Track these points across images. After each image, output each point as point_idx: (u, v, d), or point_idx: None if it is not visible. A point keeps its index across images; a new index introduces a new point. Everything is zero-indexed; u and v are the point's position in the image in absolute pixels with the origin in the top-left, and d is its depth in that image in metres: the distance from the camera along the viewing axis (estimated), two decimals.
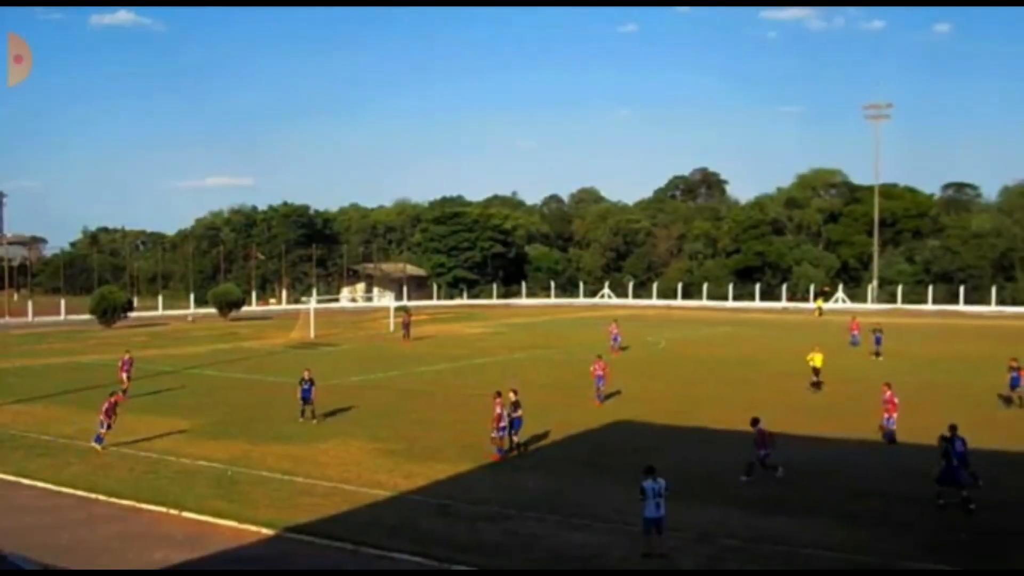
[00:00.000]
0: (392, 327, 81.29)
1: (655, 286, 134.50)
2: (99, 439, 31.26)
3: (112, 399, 32.29)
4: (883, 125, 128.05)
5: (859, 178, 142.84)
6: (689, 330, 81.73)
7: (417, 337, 72.80)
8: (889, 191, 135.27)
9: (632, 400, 41.45)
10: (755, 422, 27.78)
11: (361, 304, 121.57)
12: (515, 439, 30.26)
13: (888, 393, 32.39)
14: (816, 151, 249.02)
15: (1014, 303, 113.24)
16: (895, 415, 32.06)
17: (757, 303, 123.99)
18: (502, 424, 29.91)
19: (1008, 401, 39.35)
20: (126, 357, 44.90)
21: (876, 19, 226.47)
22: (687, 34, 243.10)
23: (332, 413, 37.76)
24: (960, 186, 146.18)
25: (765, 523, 23.05)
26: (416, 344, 69.36)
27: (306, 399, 36.46)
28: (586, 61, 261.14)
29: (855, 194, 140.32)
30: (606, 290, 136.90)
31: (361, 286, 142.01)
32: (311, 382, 36.69)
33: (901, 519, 23.49)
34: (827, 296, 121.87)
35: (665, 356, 59.50)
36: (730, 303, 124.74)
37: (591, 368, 41.51)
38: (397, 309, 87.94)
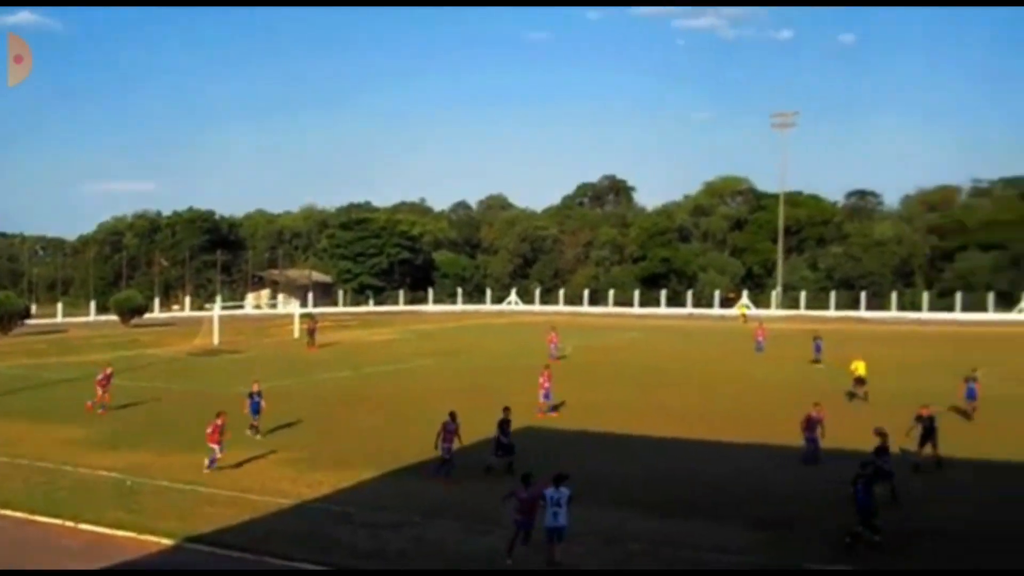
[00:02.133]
0: (297, 334, 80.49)
1: (562, 292, 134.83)
2: (212, 462, 29.25)
3: (218, 421, 29.79)
4: (789, 133, 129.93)
5: (765, 186, 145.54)
6: (596, 337, 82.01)
7: (322, 344, 72.23)
8: (794, 199, 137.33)
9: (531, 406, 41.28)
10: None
11: (266, 311, 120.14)
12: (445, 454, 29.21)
13: (817, 411, 31.29)
14: (723, 159, 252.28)
15: (914, 309, 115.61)
16: (818, 433, 30.88)
17: (663, 309, 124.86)
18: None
19: (964, 413, 38.27)
20: (108, 371, 42.72)
21: (784, 29, 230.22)
22: (597, 41, 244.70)
23: (235, 421, 37.17)
24: (863, 194, 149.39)
25: (671, 527, 23.27)
26: (321, 351, 68.81)
27: (256, 412, 35.02)
28: (495, 67, 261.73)
29: (760, 202, 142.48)
30: (513, 297, 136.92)
31: (266, 292, 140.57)
32: (260, 394, 35.50)
33: (808, 522, 23.81)
34: (732, 302, 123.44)
35: (573, 363, 59.62)
36: (636, 309, 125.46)
37: (539, 379, 40.64)
38: (302, 316, 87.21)
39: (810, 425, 30.74)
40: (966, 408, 38.22)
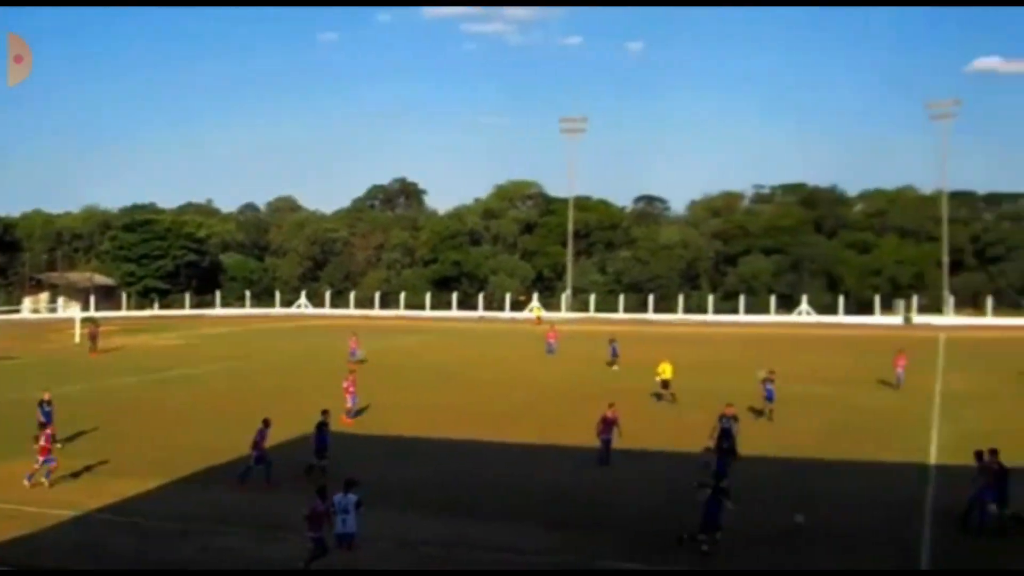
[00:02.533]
0: (78, 339, 76.88)
1: (352, 296, 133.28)
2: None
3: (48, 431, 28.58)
4: (579, 139, 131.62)
5: (555, 190, 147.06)
6: (388, 340, 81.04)
7: (105, 349, 69.39)
8: (583, 203, 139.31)
9: (337, 410, 40.06)
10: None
11: (45, 315, 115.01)
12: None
13: (611, 412, 31.29)
14: (514, 163, 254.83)
15: (699, 311, 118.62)
16: (613, 434, 30.98)
17: (454, 312, 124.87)
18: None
19: (761, 413, 38.96)
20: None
21: (573, 35, 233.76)
22: (388, 43, 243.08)
23: (12, 431, 34.65)
24: (650, 199, 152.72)
25: (467, 529, 23.25)
26: (104, 356, 66.16)
27: (47, 421, 33.03)
28: (285, 67, 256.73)
29: (550, 206, 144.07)
30: (303, 300, 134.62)
31: (45, 296, 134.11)
32: (50, 402, 33.96)
33: (601, 521, 24.05)
34: (523, 305, 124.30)
35: (369, 366, 58.31)
36: (428, 312, 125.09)
37: (344, 385, 39.77)
38: (84, 320, 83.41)
39: (605, 426, 30.49)
40: (764, 408, 38.77)
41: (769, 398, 38.66)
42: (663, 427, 37.28)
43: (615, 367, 57.56)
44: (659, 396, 43.87)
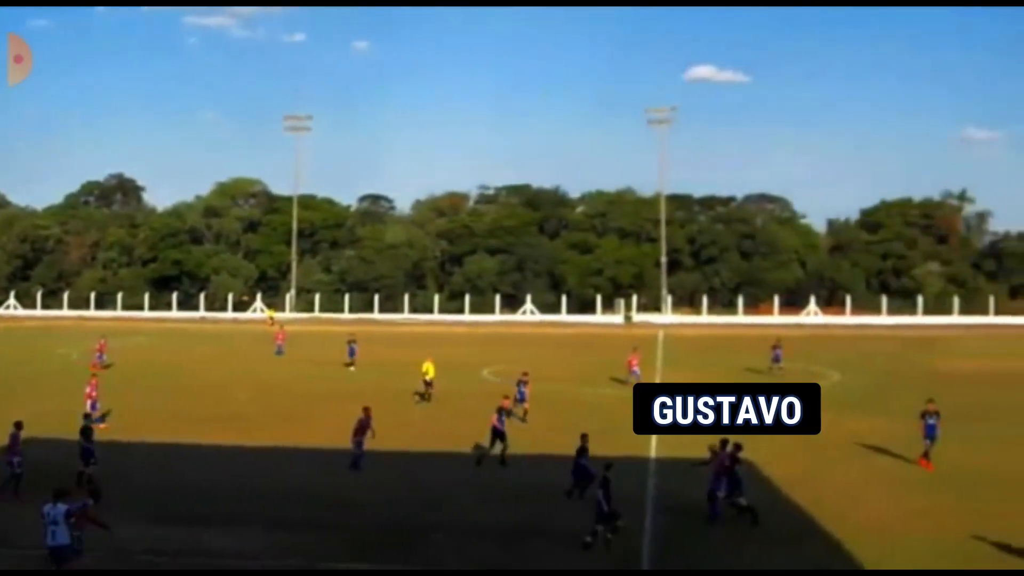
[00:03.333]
0: None
1: (66, 296, 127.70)
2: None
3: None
4: (303, 137, 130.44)
5: (279, 188, 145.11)
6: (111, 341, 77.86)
7: None
8: (308, 202, 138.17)
9: (61, 415, 38.17)
10: None
11: None
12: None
13: (365, 415, 30.74)
14: (237, 160, 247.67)
15: (425, 311, 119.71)
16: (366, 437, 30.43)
17: (175, 313, 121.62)
18: None
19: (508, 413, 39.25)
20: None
21: (298, 32, 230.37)
22: (103, 33, 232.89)
23: None
24: (376, 199, 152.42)
25: (195, 535, 22.73)
26: None
27: None
28: None
29: (274, 204, 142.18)
30: (12, 301, 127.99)
31: None
32: None
33: (327, 523, 24.01)
34: (247, 305, 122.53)
35: (82, 369, 55.95)
36: (147, 313, 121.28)
37: (86, 390, 38.02)
38: None
39: (360, 428, 30.38)
40: (519, 409, 39.36)
41: (521, 398, 39.29)
42: (413, 427, 37.54)
43: (352, 367, 57.42)
44: (422, 396, 44.17)
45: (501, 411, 31.54)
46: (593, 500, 22.75)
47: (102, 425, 36.31)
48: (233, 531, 23.17)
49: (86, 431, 27.89)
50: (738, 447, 24.29)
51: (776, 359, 54.45)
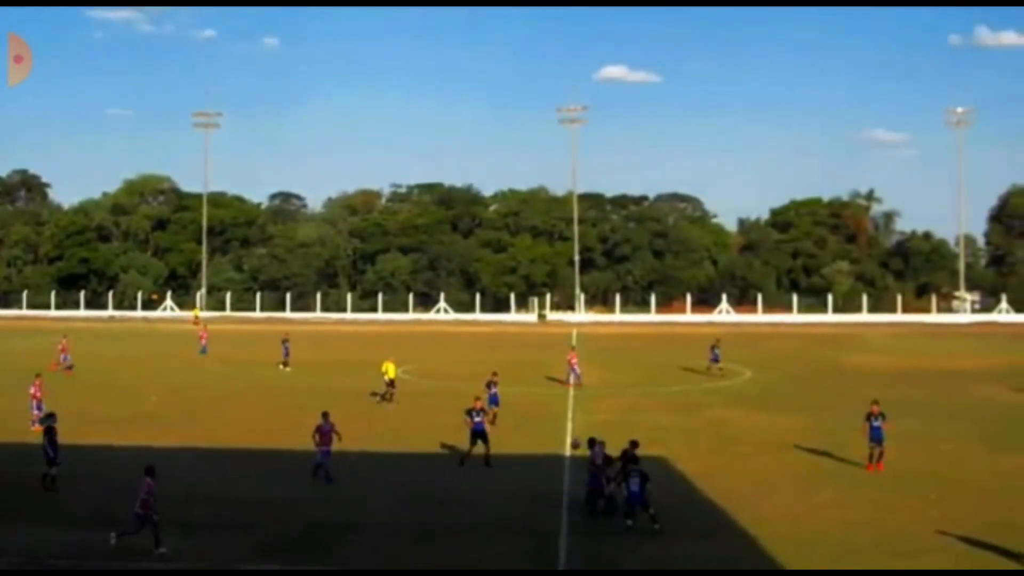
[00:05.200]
0: None
1: None
2: None
3: None
4: (213, 134, 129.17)
5: (188, 185, 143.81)
6: (13, 342, 76.41)
7: None
8: (218, 199, 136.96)
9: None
10: None
11: None
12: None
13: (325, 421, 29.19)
14: (145, 157, 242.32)
15: (338, 309, 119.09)
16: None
17: (82, 312, 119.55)
18: None
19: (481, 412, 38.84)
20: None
21: (208, 28, 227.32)
22: (5, 27, 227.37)
23: None
24: (287, 196, 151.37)
25: (93, 538, 21.84)
26: None
27: None
28: None
29: (184, 201, 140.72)
30: None
31: None
32: None
33: (233, 523, 23.71)
34: (157, 303, 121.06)
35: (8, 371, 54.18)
36: (53, 312, 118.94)
37: (31, 391, 36.66)
38: None
39: (323, 438, 28.37)
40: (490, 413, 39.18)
41: (494, 402, 37.66)
42: (363, 427, 37.28)
43: (287, 367, 56.29)
44: (382, 396, 43.75)
45: (472, 412, 30.79)
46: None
47: (36, 427, 35.50)
48: (142, 532, 22.51)
49: (50, 431, 27.11)
50: (634, 444, 24.62)
51: (715, 359, 54.87)
